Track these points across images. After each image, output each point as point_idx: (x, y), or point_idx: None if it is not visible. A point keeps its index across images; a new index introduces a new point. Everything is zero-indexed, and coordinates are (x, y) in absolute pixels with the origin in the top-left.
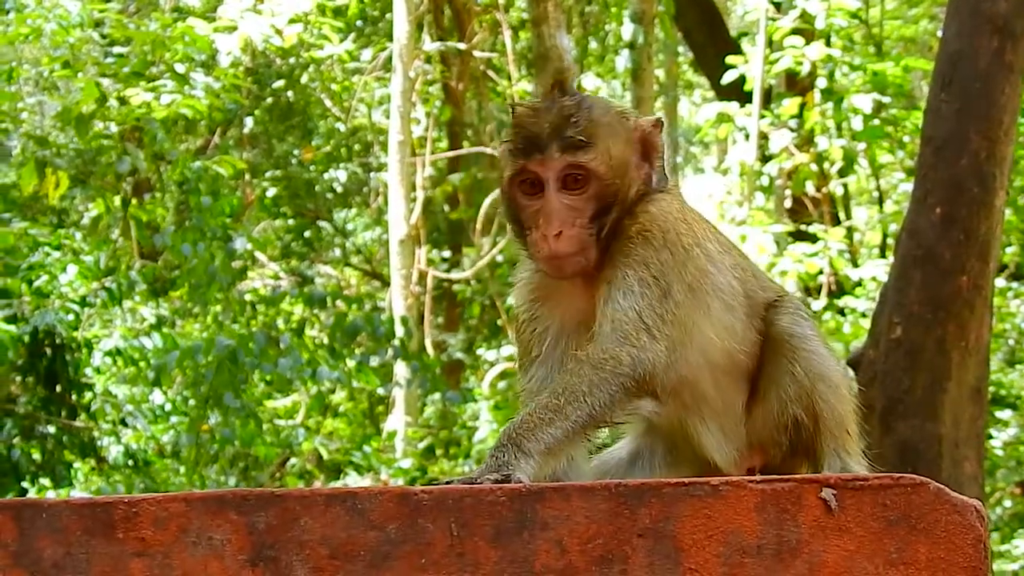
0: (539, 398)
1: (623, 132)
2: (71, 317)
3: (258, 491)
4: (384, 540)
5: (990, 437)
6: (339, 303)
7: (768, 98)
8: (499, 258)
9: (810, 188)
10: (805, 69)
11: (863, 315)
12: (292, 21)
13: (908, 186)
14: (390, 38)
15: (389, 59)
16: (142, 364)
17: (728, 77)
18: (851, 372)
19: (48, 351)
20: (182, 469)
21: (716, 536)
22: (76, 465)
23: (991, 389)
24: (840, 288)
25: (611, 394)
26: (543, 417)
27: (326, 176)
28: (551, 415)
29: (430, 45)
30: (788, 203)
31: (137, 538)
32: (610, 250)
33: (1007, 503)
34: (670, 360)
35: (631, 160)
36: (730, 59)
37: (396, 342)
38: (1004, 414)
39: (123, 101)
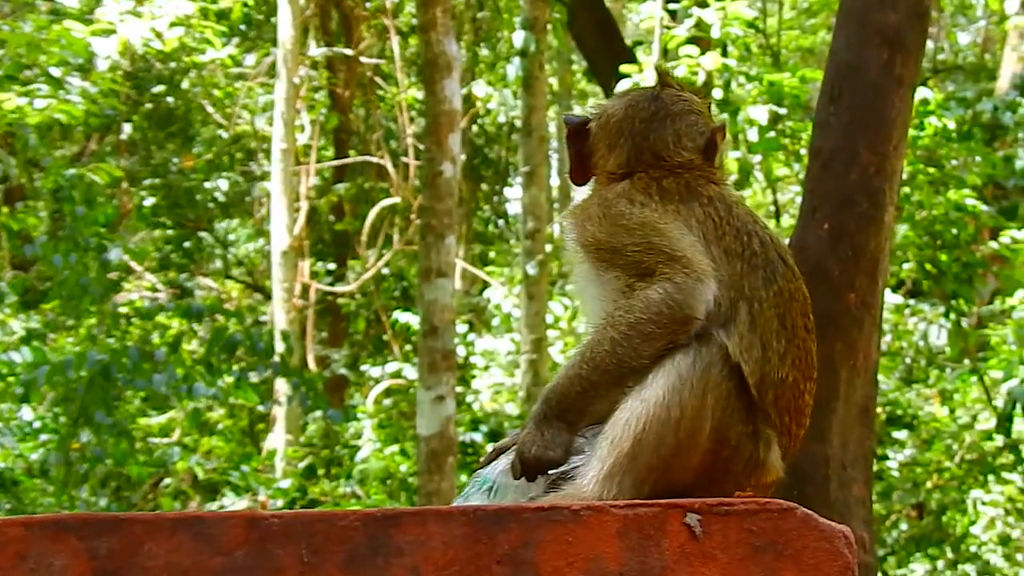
0: (570, 360)
1: None
2: None
3: (100, 515)
4: (231, 567)
5: (886, 458)
6: (218, 316)
7: None
8: (385, 271)
9: None
10: (700, 79)
11: None
12: (173, 24)
13: None
14: (274, 43)
15: (273, 64)
16: (10, 379)
17: (622, 86)
18: None
19: None
20: (51, 489)
21: (577, 563)
22: None
23: (887, 409)
24: None
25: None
26: (573, 385)
27: (207, 185)
28: (581, 382)
29: (316, 50)
30: None
31: None
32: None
33: (903, 526)
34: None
35: None
36: (624, 68)
37: (276, 357)
38: (900, 434)
39: None
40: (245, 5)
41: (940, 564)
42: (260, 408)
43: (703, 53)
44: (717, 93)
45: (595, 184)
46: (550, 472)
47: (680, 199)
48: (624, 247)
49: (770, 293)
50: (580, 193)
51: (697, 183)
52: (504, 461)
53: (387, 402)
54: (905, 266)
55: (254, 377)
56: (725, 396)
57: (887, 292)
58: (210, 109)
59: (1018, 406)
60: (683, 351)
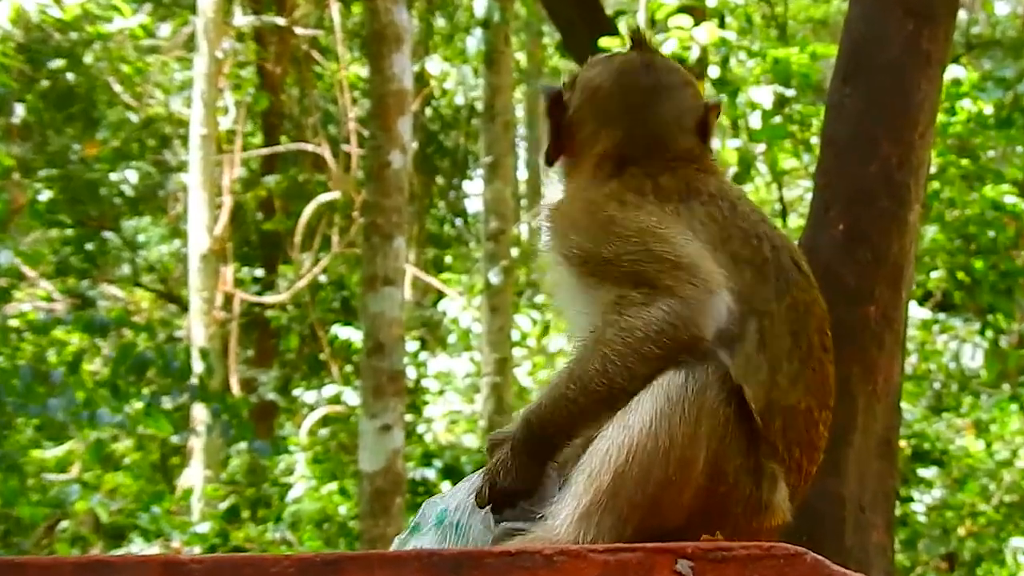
0: (554, 381)
1: None
2: None
3: None
4: None
5: (910, 500)
6: (125, 331)
7: None
8: (322, 278)
9: None
10: (694, 55)
11: None
12: None
13: None
14: (193, 10)
15: (192, 36)
16: None
17: None
18: None
19: None
20: None
21: None
22: None
23: (912, 442)
24: None
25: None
26: (557, 408)
27: (113, 176)
28: (567, 404)
29: (242, 19)
30: None
31: None
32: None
33: None
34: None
35: None
36: (604, 41)
37: (194, 379)
38: (928, 472)
39: None
40: None
41: None
42: (174, 439)
43: (697, 24)
44: (713, 71)
45: (575, 172)
46: (521, 506)
47: (680, 198)
48: (618, 257)
49: (783, 307)
50: (551, 187)
51: (696, 177)
52: (464, 488)
53: (324, 432)
54: (933, 274)
55: (167, 402)
56: (722, 424)
57: (912, 305)
58: (117, 88)
59: None
60: (673, 369)
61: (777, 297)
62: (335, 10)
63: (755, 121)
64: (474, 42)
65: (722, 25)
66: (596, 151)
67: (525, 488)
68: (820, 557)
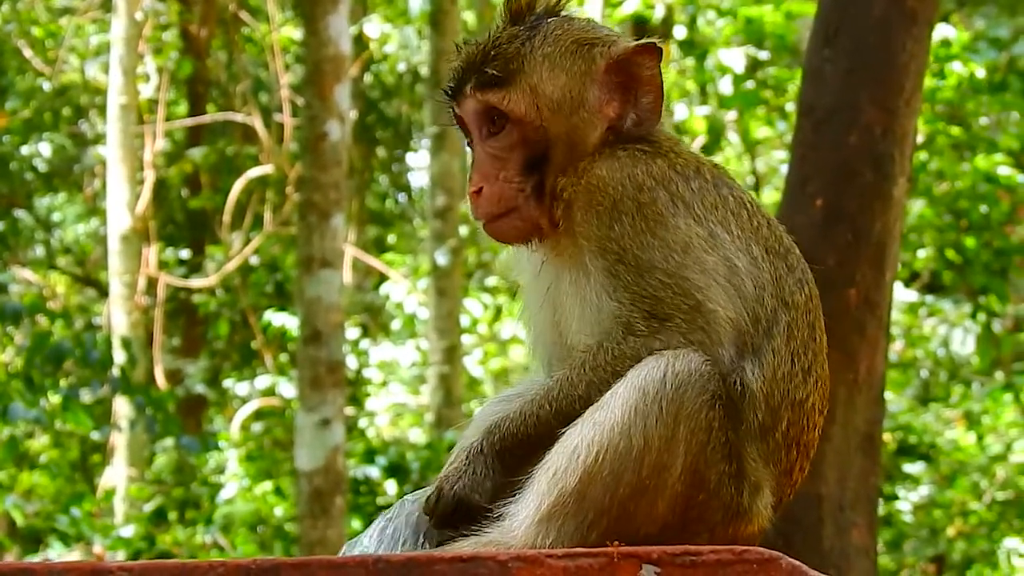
0: (532, 394)
1: (578, 63)
2: None
3: None
4: None
5: (895, 498)
6: (40, 318)
7: None
8: (253, 260)
9: None
10: (658, 13)
11: None
12: None
13: None
14: None
15: None
16: None
17: None
18: None
19: None
20: None
21: None
22: None
23: (897, 435)
24: None
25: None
26: (528, 425)
27: (25, 150)
28: (538, 424)
29: None
30: None
31: None
32: (563, 218)
33: None
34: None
35: (587, 97)
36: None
37: (115, 371)
38: (914, 467)
39: None
40: None
41: None
42: (95, 435)
43: None
44: (679, 31)
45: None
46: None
47: (714, 184)
48: (651, 271)
49: (803, 297)
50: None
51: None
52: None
53: (257, 427)
54: (920, 253)
55: (87, 396)
56: (705, 428)
57: (897, 286)
58: (28, 53)
59: None
60: (653, 361)
61: (800, 287)
62: None
63: (725, 86)
64: (417, 1)
65: None
66: (646, 126)
67: (476, 501)
68: (796, 562)
